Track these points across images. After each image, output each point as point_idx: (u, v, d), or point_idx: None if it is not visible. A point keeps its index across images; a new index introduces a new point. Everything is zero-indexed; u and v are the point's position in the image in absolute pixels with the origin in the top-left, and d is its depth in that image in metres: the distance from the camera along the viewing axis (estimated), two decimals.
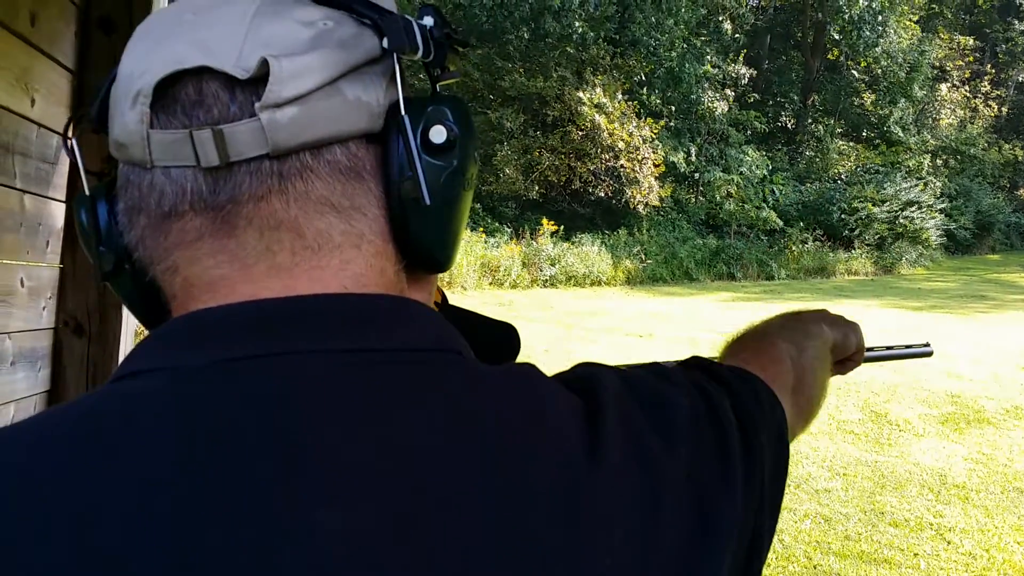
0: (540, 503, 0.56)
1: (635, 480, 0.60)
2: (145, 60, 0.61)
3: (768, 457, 0.72)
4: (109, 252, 0.66)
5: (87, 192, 0.67)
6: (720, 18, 26.59)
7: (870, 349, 1.39)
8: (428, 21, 0.66)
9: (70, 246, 2.37)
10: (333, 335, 0.59)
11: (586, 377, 0.67)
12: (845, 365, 1.21)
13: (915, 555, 4.97)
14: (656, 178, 21.77)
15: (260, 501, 0.51)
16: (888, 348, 1.41)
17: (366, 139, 0.63)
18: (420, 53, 0.64)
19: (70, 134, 0.70)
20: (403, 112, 0.63)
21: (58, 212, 2.30)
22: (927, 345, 1.45)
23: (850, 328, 1.17)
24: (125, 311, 2.43)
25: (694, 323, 12.85)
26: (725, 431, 0.69)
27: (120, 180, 0.64)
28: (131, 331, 2.57)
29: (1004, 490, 6.14)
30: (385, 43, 0.63)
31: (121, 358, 2.46)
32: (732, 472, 0.67)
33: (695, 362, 0.83)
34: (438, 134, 0.64)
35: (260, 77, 0.59)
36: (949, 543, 5.16)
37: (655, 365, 0.78)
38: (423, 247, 0.66)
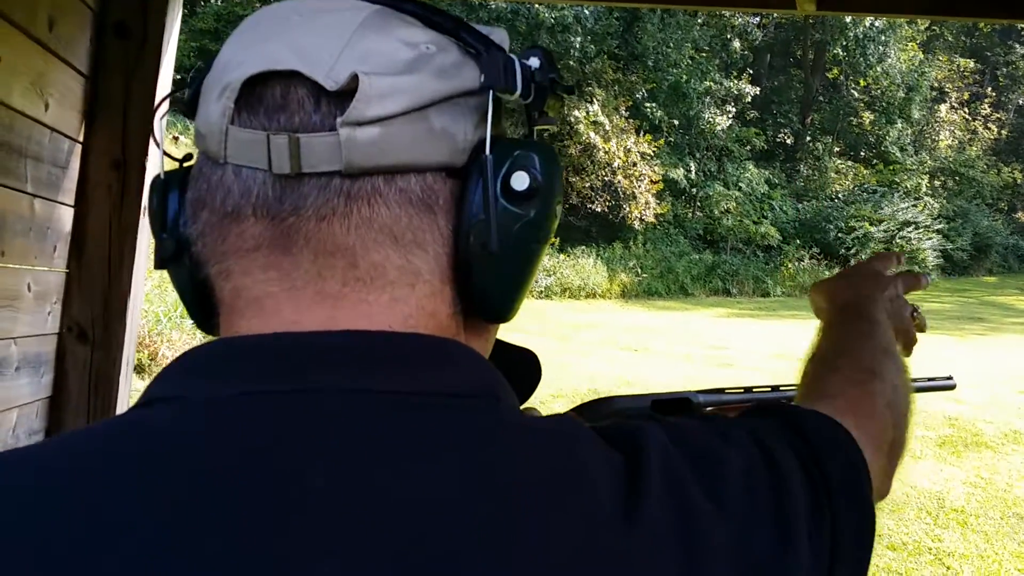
0: (559, 567, 0.52)
1: (673, 546, 0.55)
2: (242, 53, 0.60)
3: (845, 525, 0.65)
4: (171, 239, 0.64)
5: (163, 176, 0.66)
6: (728, 35, 26.63)
7: None
8: (533, 63, 0.63)
9: (77, 251, 2.34)
10: (364, 375, 0.56)
11: (630, 432, 0.62)
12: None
13: None
14: (654, 195, 21.77)
15: (255, 549, 0.49)
16: (912, 381, 1.39)
17: (445, 173, 0.60)
18: (517, 94, 0.61)
19: (160, 115, 0.69)
20: (488, 152, 0.60)
21: (67, 217, 2.27)
22: (950, 378, 1.42)
23: (901, 303, 1.06)
24: (129, 318, 2.40)
25: (689, 338, 12.83)
26: (788, 493, 0.62)
27: (195, 170, 0.63)
28: (134, 338, 2.54)
29: (1004, 515, 6.12)
30: (482, 79, 0.60)
31: (124, 365, 2.44)
32: (792, 540, 0.60)
33: (774, 408, 0.75)
34: (520, 180, 0.61)
35: (348, 91, 0.56)
36: (948, 568, 5.13)
37: (712, 418, 0.74)
38: (484, 294, 0.63)
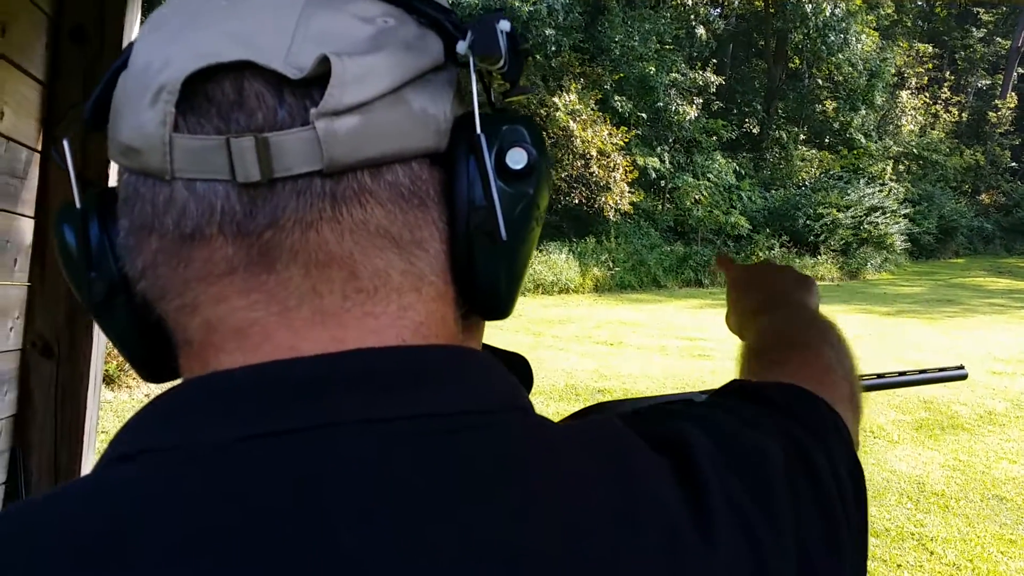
0: None
1: (747, 568, 0.50)
2: (166, 49, 0.50)
3: (850, 488, 0.64)
4: (101, 279, 0.54)
5: (77, 204, 0.55)
6: (693, 24, 26.72)
7: (903, 374, 1.36)
8: (505, 26, 0.55)
9: (39, 264, 2.26)
10: (386, 400, 0.48)
11: (671, 435, 0.56)
12: None
13: (898, 566, 4.94)
14: (628, 184, 21.80)
15: None
16: (922, 372, 1.37)
17: (430, 160, 0.53)
18: (503, 61, 0.54)
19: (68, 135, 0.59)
20: (477, 129, 0.53)
21: (27, 228, 2.19)
22: (961, 367, 1.40)
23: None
24: (96, 331, 2.32)
25: (663, 330, 12.84)
26: (821, 482, 0.60)
27: (123, 192, 0.53)
28: (102, 351, 2.46)
29: (983, 498, 6.14)
30: (463, 47, 0.53)
31: (92, 380, 2.36)
32: (837, 538, 0.58)
33: (739, 388, 0.72)
34: (517, 158, 0.54)
35: (316, 78, 0.48)
36: (932, 553, 5.13)
37: (733, 406, 0.68)
38: (489, 290, 0.56)
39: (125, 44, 2.17)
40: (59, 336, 2.31)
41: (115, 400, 6.78)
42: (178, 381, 0.53)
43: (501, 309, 0.58)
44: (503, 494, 0.46)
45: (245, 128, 0.48)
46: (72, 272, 0.56)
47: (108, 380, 6.95)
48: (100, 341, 2.39)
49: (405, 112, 0.51)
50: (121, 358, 5.28)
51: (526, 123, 0.55)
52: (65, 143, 0.58)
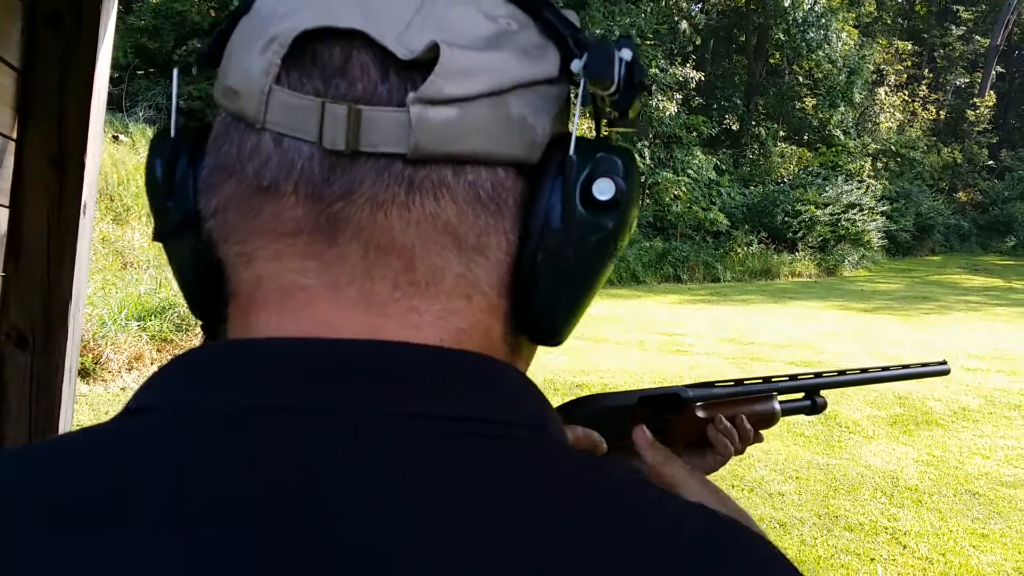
0: None
1: None
2: (290, 2, 0.51)
3: None
4: (177, 209, 0.55)
5: (172, 134, 0.56)
6: (676, 19, 26.74)
7: (887, 368, 1.37)
8: (627, 55, 0.54)
9: (13, 254, 2.24)
10: (409, 395, 0.47)
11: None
12: None
13: (872, 560, 4.98)
14: None
15: None
16: (904, 367, 1.38)
17: (516, 169, 0.52)
18: (613, 88, 0.53)
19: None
20: (571, 151, 0.52)
21: (1, 217, 2.18)
22: (944, 363, 1.42)
23: None
24: (72, 322, 2.30)
25: (642, 325, 12.87)
26: None
27: (216, 131, 0.54)
28: (78, 343, 2.45)
29: (956, 492, 6.20)
30: (577, 65, 0.52)
31: (68, 371, 2.35)
32: None
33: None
34: (604, 188, 0.53)
35: (423, 62, 0.48)
36: (905, 547, 5.18)
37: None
38: (543, 313, 0.55)
39: (102, 30, 2.16)
40: (34, 327, 2.30)
41: (91, 393, 6.74)
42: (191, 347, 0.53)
43: (552, 335, 0.58)
44: (512, 505, 0.45)
45: (343, 96, 0.49)
46: (153, 197, 0.57)
47: (84, 373, 6.90)
48: (75, 333, 2.37)
49: (503, 116, 0.51)
50: (96, 351, 5.19)
51: (624, 156, 0.55)
52: (175, 73, 0.59)
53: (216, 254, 0.54)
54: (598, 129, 0.59)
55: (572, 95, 0.56)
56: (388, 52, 0.49)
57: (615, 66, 0.53)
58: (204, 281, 0.56)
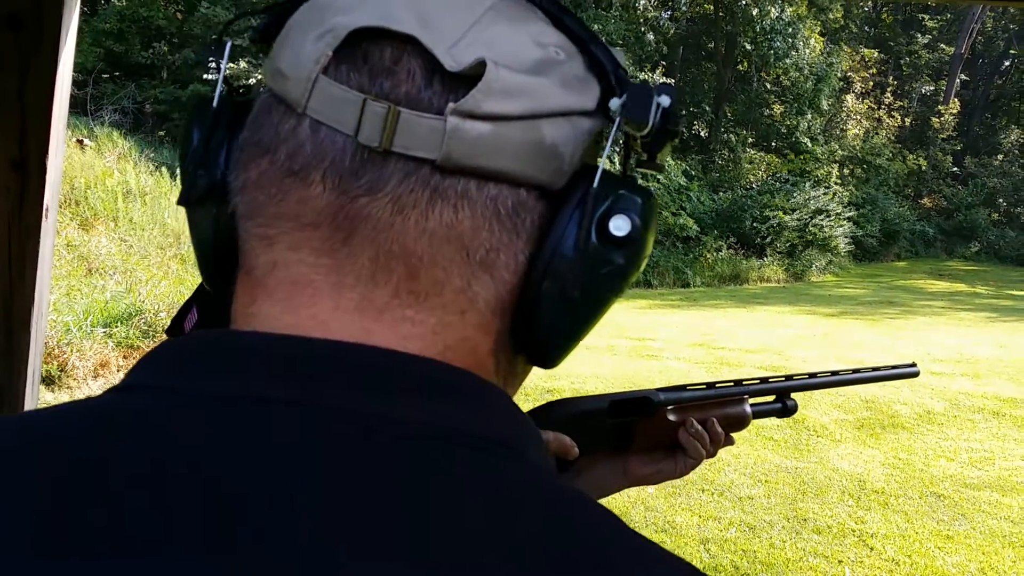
0: None
1: None
2: None
3: None
4: (206, 177, 0.57)
5: (215, 104, 0.58)
6: (643, 29, 26.87)
7: (857, 371, 1.38)
8: (664, 101, 0.55)
9: None
10: (375, 398, 0.48)
11: None
12: None
13: (839, 562, 5.01)
14: None
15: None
16: (875, 369, 1.40)
17: (539, 192, 0.54)
18: (647, 130, 0.55)
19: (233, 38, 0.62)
20: (596, 184, 0.54)
21: None
22: (913, 365, 1.44)
23: None
24: (34, 328, 2.27)
25: (612, 330, 12.88)
26: None
27: (257, 109, 0.55)
28: (40, 349, 2.41)
29: (922, 495, 6.26)
30: (615, 104, 0.54)
31: (30, 378, 2.31)
32: None
33: None
34: (620, 224, 0.55)
35: (469, 77, 0.50)
36: (872, 549, 5.22)
37: None
38: (542, 338, 0.56)
39: (64, 33, 2.13)
40: None
41: (55, 401, 6.66)
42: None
43: (547, 359, 0.59)
44: (448, 515, 0.44)
45: (385, 95, 0.50)
46: (184, 161, 0.58)
47: (49, 380, 6.82)
48: (38, 338, 2.34)
49: (535, 141, 0.52)
50: (60, 359, 5.13)
51: (645, 196, 0.56)
52: (227, 43, 0.60)
53: (237, 228, 0.55)
54: (624, 166, 0.60)
55: (605, 130, 0.57)
56: (437, 61, 0.51)
57: (652, 110, 0.55)
58: (220, 251, 0.57)
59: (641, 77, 25.04)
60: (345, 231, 0.51)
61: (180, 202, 0.58)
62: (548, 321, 0.55)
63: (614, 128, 0.55)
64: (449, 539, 0.43)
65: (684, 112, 28.86)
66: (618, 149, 0.60)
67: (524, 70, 0.51)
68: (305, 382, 0.48)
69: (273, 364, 0.49)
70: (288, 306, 0.52)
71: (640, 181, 0.57)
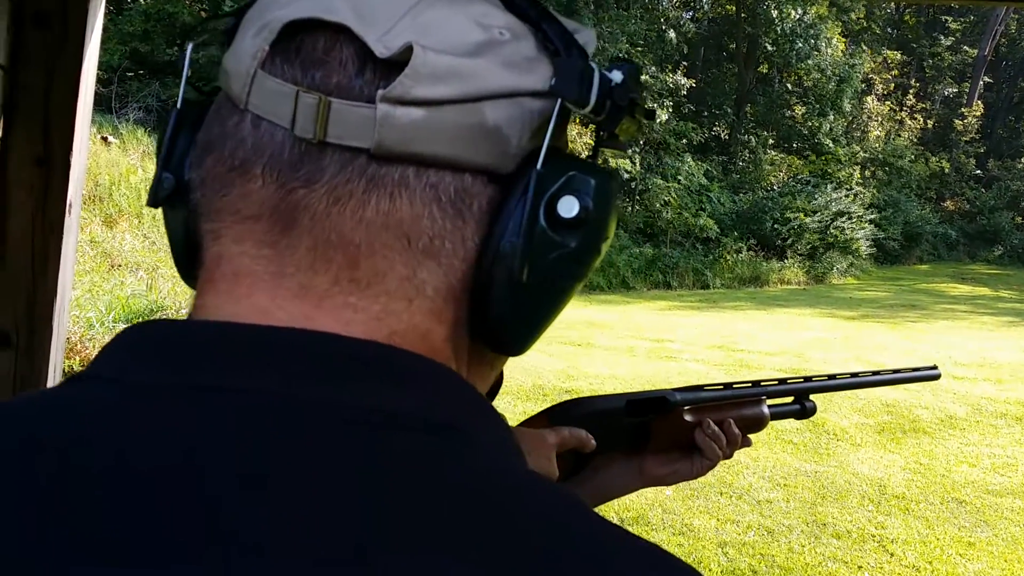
0: None
1: None
2: None
3: None
4: (171, 178, 0.57)
5: (179, 106, 0.59)
6: (664, 27, 26.80)
7: (877, 373, 1.37)
8: (616, 76, 0.55)
9: None
10: (325, 384, 0.47)
11: None
12: None
13: (859, 567, 4.99)
14: None
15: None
16: (895, 372, 1.39)
17: (487, 177, 0.53)
18: (588, 108, 0.53)
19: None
20: (539, 165, 0.52)
21: None
22: (934, 368, 1.42)
23: None
24: (56, 323, 2.29)
25: (631, 331, 12.87)
26: None
27: (212, 109, 0.56)
28: (63, 344, 2.43)
29: (943, 501, 6.21)
30: (548, 83, 0.53)
31: (52, 372, 2.33)
32: None
33: None
34: (568, 206, 0.53)
35: (398, 62, 0.49)
36: (892, 555, 5.19)
37: None
38: (498, 324, 0.55)
39: (89, 31, 2.15)
40: (18, 326, 2.28)
41: None
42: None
43: (508, 346, 0.58)
44: (374, 503, 0.43)
45: (316, 86, 0.50)
46: (157, 164, 0.59)
47: (69, 375, 6.87)
48: (60, 334, 2.35)
49: (477, 124, 0.51)
50: (83, 354, 5.20)
51: (599, 177, 0.55)
52: (189, 47, 0.60)
53: (196, 224, 0.56)
54: (595, 148, 0.59)
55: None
56: (368, 49, 0.50)
57: (589, 87, 0.53)
58: (188, 246, 0.58)
59: (662, 78, 25.01)
60: (284, 222, 0.52)
61: (149, 203, 0.59)
62: (502, 307, 0.54)
63: (555, 108, 0.53)
64: (406, 526, 0.42)
65: (706, 113, 28.77)
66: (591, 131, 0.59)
67: (459, 53, 0.51)
68: (243, 367, 0.48)
69: (211, 351, 0.49)
70: (230, 296, 0.53)
71: (612, 163, 0.54)
